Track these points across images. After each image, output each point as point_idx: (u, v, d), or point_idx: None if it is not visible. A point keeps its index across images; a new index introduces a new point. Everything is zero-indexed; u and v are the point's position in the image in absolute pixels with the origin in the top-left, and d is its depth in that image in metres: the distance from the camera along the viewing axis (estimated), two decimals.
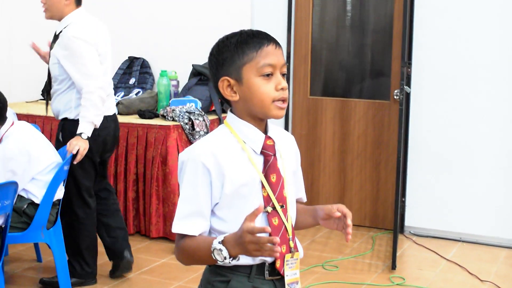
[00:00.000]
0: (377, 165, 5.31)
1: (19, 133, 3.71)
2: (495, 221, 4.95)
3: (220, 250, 1.70)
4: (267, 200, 1.84)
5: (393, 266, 4.42)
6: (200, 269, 4.32)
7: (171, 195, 4.81)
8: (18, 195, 3.65)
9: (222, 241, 1.71)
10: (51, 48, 3.99)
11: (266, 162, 1.85)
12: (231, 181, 1.80)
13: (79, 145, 3.78)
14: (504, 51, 4.85)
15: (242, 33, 1.84)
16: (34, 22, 5.97)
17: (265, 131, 1.88)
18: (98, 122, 3.86)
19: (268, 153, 1.86)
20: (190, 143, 4.92)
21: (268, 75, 1.81)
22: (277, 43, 1.84)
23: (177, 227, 1.83)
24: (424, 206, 5.17)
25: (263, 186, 1.84)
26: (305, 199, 2.09)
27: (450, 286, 4.17)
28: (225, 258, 1.71)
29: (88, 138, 3.84)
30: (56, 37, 3.97)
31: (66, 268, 3.80)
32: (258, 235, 1.65)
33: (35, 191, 3.68)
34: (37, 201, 3.68)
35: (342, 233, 1.91)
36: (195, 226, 1.81)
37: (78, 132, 3.80)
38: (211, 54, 1.88)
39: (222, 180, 1.80)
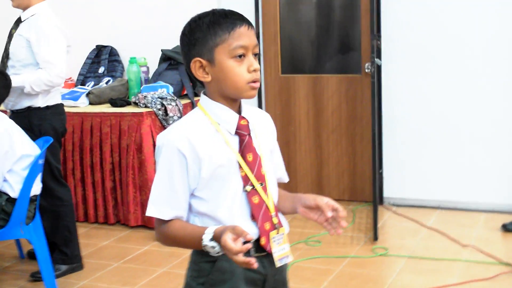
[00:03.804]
0: (352, 139, 5.33)
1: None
2: (472, 186, 5.01)
3: (213, 247, 1.72)
4: (245, 179, 1.84)
5: (375, 238, 4.46)
6: (183, 254, 4.35)
7: (148, 183, 4.77)
8: None
9: (212, 237, 1.72)
10: (12, 32, 4.08)
11: (241, 142, 1.85)
12: (208, 164, 1.80)
13: None
14: (475, 18, 4.88)
15: (214, 13, 1.82)
16: None
17: (238, 111, 1.88)
18: (26, 90, 3.94)
19: (242, 133, 1.86)
20: (164, 128, 4.88)
21: (240, 56, 1.80)
22: (249, 24, 1.83)
23: (152, 211, 1.84)
24: (402, 177, 5.21)
25: (240, 166, 1.84)
26: (286, 179, 2.07)
27: (432, 253, 4.22)
28: (218, 252, 1.73)
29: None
30: (19, 22, 4.08)
31: (48, 262, 3.77)
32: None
33: (13, 184, 3.64)
34: (13, 194, 3.63)
35: (321, 225, 1.90)
36: (170, 212, 1.83)
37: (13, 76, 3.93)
38: (183, 33, 1.86)
39: (199, 164, 1.80)
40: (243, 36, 1.80)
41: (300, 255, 4.24)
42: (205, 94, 1.88)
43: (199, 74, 1.83)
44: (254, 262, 1.64)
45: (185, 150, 1.79)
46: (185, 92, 5.31)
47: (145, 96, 4.91)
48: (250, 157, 1.85)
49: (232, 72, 1.80)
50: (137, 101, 4.94)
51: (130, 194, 4.82)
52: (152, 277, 4.03)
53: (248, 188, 1.84)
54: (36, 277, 3.99)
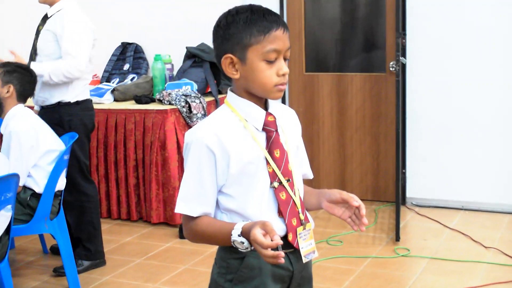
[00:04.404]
0: (376, 138, 5.31)
1: (26, 112, 3.79)
2: (496, 188, 4.96)
3: (242, 242, 1.73)
4: (272, 175, 1.85)
5: (397, 238, 4.43)
6: (205, 252, 4.37)
7: (171, 180, 4.80)
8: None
9: (241, 233, 1.73)
10: (39, 28, 4.13)
11: (268, 138, 1.86)
12: (237, 160, 1.81)
13: (18, 58, 4.00)
14: (501, 16, 4.82)
15: (252, 10, 1.81)
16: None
17: (265, 107, 1.89)
18: (45, 78, 3.97)
19: (270, 129, 1.86)
20: (188, 126, 4.91)
21: (272, 59, 1.81)
22: (285, 27, 1.83)
23: (181, 208, 1.86)
24: (425, 177, 5.17)
25: (267, 163, 1.85)
26: (310, 175, 2.08)
27: (455, 255, 4.19)
28: (246, 248, 1.74)
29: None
30: (45, 18, 4.12)
31: (71, 258, 3.81)
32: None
33: (38, 179, 3.69)
34: (38, 190, 3.68)
35: (345, 221, 1.92)
36: (199, 208, 1.84)
37: (33, 63, 4.00)
38: (218, 25, 1.85)
39: (228, 160, 1.81)
40: (277, 40, 1.80)
41: (321, 255, 4.24)
42: (231, 90, 1.89)
43: (229, 71, 1.84)
44: (282, 256, 1.65)
45: (214, 147, 1.80)
46: (209, 90, 5.32)
47: (169, 93, 4.93)
48: (277, 153, 1.86)
49: (261, 74, 1.80)
50: (161, 98, 4.96)
51: (153, 191, 4.85)
52: (174, 274, 4.05)
53: (276, 184, 1.85)
54: (59, 272, 4.03)
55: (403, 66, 5.00)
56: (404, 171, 5.20)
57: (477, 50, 4.91)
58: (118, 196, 5.09)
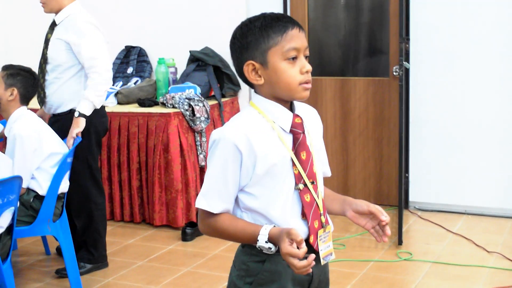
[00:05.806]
0: (379, 142, 5.31)
1: (29, 115, 3.81)
2: (499, 192, 4.96)
3: (269, 248, 1.79)
4: (298, 177, 1.87)
5: (400, 242, 4.43)
6: (207, 254, 4.36)
7: (174, 183, 4.81)
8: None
9: (268, 239, 1.78)
10: (48, 36, 4.06)
11: (295, 140, 1.88)
12: (263, 161, 1.83)
13: (80, 129, 3.90)
14: (504, 21, 4.83)
15: (265, 17, 1.85)
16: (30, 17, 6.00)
17: (291, 110, 1.90)
18: (98, 104, 3.94)
19: (297, 131, 1.88)
20: (191, 129, 4.92)
21: (293, 58, 1.82)
22: (300, 27, 1.86)
23: (201, 203, 1.87)
24: (428, 181, 5.17)
25: (293, 164, 1.86)
26: (329, 173, 2.10)
27: (458, 259, 4.18)
28: (272, 251, 1.80)
29: (95, 122, 4.00)
30: (53, 26, 4.06)
31: (74, 259, 3.82)
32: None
33: (41, 181, 3.70)
34: (41, 192, 3.70)
35: (368, 232, 1.95)
36: (220, 205, 1.86)
37: (79, 111, 3.90)
38: (234, 37, 1.88)
39: (254, 161, 1.83)
40: (295, 38, 1.82)
41: None
42: (256, 93, 1.91)
43: (252, 77, 1.86)
44: (313, 258, 1.70)
45: (242, 147, 1.81)
46: (212, 93, 5.34)
47: (172, 97, 4.94)
48: (303, 155, 1.88)
49: (285, 73, 1.82)
50: (164, 102, 4.97)
51: (155, 193, 4.86)
52: (176, 276, 4.06)
53: (301, 186, 1.87)
54: (61, 273, 4.04)
55: (407, 70, 5.01)
56: (407, 175, 5.20)
57: (480, 55, 4.91)
58: (121, 199, 5.10)
